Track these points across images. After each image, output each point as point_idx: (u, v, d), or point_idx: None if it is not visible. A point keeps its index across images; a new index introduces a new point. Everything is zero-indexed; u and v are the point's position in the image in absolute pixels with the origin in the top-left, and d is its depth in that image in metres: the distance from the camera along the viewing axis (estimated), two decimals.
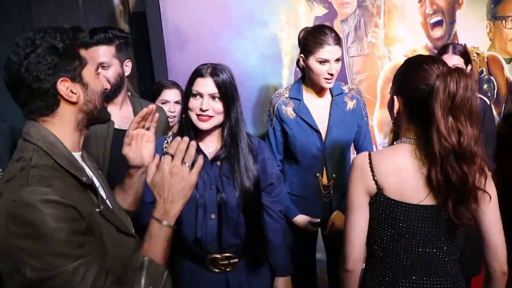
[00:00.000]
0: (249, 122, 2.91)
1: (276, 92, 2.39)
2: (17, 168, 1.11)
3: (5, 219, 1.04)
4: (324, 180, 2.32)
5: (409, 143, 1.42)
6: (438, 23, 3.16)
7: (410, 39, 3.10)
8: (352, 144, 2.43)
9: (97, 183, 1.30)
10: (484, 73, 3.21)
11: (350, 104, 2.32)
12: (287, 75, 3.00)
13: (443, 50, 2.61)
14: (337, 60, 2.18)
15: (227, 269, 1.84)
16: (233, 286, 1.85)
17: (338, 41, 2.18)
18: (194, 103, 1.77)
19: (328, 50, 2.15)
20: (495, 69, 3.22)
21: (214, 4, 2.79)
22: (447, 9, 3.16)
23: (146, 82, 3.50)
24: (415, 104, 1.37)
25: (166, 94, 2.53)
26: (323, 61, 2.16)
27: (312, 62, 2.18)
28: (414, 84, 1.36)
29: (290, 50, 2.97)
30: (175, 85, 2.59)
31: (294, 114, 2.27)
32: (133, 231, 1.37)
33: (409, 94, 1.40)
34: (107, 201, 1.29)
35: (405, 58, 1.53)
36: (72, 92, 1.17)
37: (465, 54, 2.56)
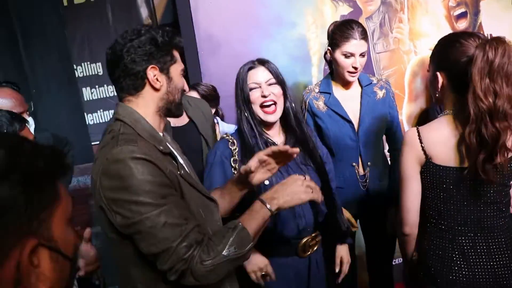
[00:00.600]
0: None
1: (307, 88, 2.47)
2: (109, 137, 1.30)
3: (99, 175, 1.24)
4: (361, 170, 2.38)
5: (452, 114, 1.53)
6: (462, 15, 3.21)
7: (435, 33, 3.15)
8: (384, 136, 2.48)
9: (178, 157, 1.45)
10: None
11: (380, 94, 2.39)
12: (316, 74, 3.08)
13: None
14: (362, 54, 2.26)
15: (314, 249, 1.96)
16: (313, 265, 1.96)
17: (364, 36, 2.25)
18: (254, 94, 1.87)
19: (354, 44, 2.22)
20: None
21: (243, 9, 2.90)
22: (471, 0, 3.21)
23: None
24: (458, 76, 1.48)
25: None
26: (348, 55, 2.24)
27: (338, 55, 2.27)
28: (455, 58, 1.47)
29: (318, 49, 3.06)
30: (193, 87, 2.69)
31: (326, 107, 2.35)
32: None
33: (451, 69, 1.51)
34: (187, 169, 1.46)
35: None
36: (157, 80, 1.35)
37: None
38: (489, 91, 1.38)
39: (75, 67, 4.18)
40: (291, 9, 3.01)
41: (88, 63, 4.22)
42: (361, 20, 3.11)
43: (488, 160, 1.43)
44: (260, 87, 1.86)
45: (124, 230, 1.23)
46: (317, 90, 2.41)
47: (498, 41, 1.38)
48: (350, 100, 2.37)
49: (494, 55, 1.36)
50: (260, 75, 1.87)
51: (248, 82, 1.88)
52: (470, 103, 1.41)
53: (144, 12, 4.17)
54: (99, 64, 4.20)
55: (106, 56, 1.37)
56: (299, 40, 3.04)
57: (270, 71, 1.88)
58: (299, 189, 1.41)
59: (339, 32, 2.26)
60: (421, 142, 1.54)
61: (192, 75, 2.99)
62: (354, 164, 2.37)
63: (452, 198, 1.54)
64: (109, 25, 4.16)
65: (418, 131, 1.55)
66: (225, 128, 2.70)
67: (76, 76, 4.19)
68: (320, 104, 2.37)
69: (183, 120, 2.25)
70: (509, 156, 1.48)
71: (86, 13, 4.11)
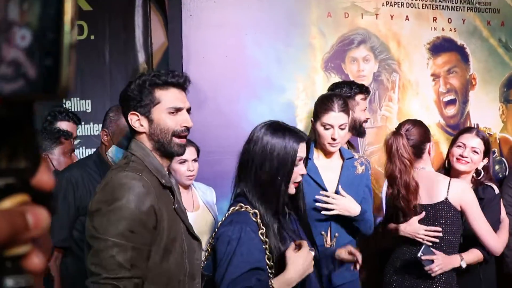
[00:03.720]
0: None
1: None
2: (122, 162, 1.50)
3: (99, 188, 1.43)
4: (328, 239, 2.31)
5: None
6: (451, 102, 3.24)
7: (423, 115, 3.16)
8: None
9: (175, 192, 1.58)
10: (496, 154, 3.23)
11: (360, 169, 2.37)
12: None
13: (467, 129, 2.62)
14: (341, 127, 2.24)
15: None
16: None
17: (344, 108, 2.25)
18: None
19: (333, 116, 2.23)
20: (507, 151, 3.24)
21: (233, 67, 2.90)
22: (461, 89, 3.25)
23: None
24: None
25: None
26: (327, 126, 2.24)
27: (318, 126, 2.28)
28: None
29: (305, 117, 3.04)
30: (191, 143, 2.63)
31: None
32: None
33: None
34: (182, 205, 1.60)
35: None
36: (140, 125, 1.50)
37: (487, 143, 2.51)
38: None
39: (64, 100, 4.14)
40: (282, 73, 3.02)
41: (78, 98, 4.19)
42: None
43: None
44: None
45: (88, 239, 1.36)
46: None
47: None
48: (329, 170, 2.34)
49: None
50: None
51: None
52: None
53: (141, 57, 4.19)
54: (89, 101, 4.17)
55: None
56: (287, 105, 3.04)
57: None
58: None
59: (320, 104, 2.30)
60: None
61: None
62: (323, 233, 2.30)
63: None
64: (105, 65, 4.16)
65: None
66: (203, 190, 2.57)
67: None
68: None
69: None
70: None
71: (84, 49, 4.13)
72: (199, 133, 2.86)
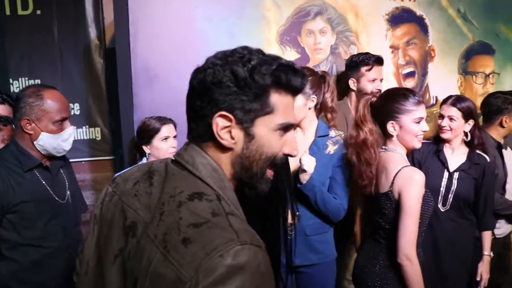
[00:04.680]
0: None
1: None
2: (206, 210, 0.89)
3: (196, 270, 0.80)
4: (289, 218, 2.21)
5: None
6: (410, 74, 3.18)
7: (382, 88, 3.10)
8: None
9: None
10: None
11: (331, 148, 2.27)
12: None
13: (445, 100, 2.64)
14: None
15: None
16: None
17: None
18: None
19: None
20: None
21: (183, 42, 2.75)
22: (420, 61, 3.19)
23: (116, 118, 3.43)
24: None
25: (166, 129, 2.45)
26: None
27: None
28: None
29: None
30: (169, 120, 2.52)
31: None
32: None
33: None
34: None
35: None
36: (231, 137, 0.99)
37: (465, 109, 2.52)
38: None
39: (11, 81, 3.93)
40: (234, 47, 2.88)
41: (26, 78, 3.97)
42: None
43: None
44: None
45: None
46: None
47: None
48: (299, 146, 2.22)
49: None
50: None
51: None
52: None
53: (92, 32, 3.98)
54: (38, 81, 3.96)
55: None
56: None
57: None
58: None
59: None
60: None
61: (123, 107, 2.82)
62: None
63: None
64: (53, 42, 3.94)
65: None
66: None
67: (12, 90, 3.93)
68: None
69: None
70: None
71: (30, 25, 3.89)
72: (149, 112, 2.73)
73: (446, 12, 3.29)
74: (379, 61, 2.82)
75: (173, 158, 1.05)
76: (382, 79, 2.85)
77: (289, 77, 0.98)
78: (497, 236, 2.83)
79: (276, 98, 0.98)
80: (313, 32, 3.03)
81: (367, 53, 2.85)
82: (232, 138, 0.97)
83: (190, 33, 2.77)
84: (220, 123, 0.96)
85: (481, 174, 2.53)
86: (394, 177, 1.93)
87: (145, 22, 2.70)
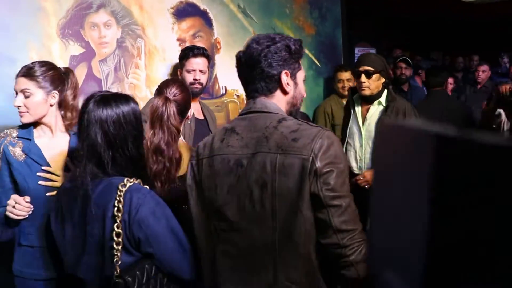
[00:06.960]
0: None
1: (2, 132, 2.13)
2: (294, 123, 1.41)
3: (311, 149, 1.33)
4: None
5: None
6: None
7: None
8: None
9: None
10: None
11: None
12: None
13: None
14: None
15: None
16: None
17: None
18: None
19: None
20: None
21: None
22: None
23: None
24: None
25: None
26: None
27: None
28: None
29: None
30: None
31: (24, 155, 2.06)
32: None
33: None
34: None
35: None
36: (288, 84, 1.47)
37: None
38: None
39: None
40: (10, 42, 2.67)
41: None
42: (94, 63, 2.94)
43: None
44: None
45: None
46: (14, 135, 2.09)
47: None
48: (52, 149, 2.11)
49: None
50: None
51: None
52: None
53: None
54: None
55: (240, 59, 1.50)
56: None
57: None
58: None
59: None
60: None
61: None
62: None
63: None
64: None
65: None
66: None
67: None
68: (16, 151, 2.06)
69: (201, 115, 2.90)
70: None
71: None
72: None
73: (228, 7, 3.52)
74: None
75: (243, 114, 1.49)
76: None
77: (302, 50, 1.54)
78: None
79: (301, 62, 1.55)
80: (97, 25, 2.95)
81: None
82: (289, 86, 1.48)
83: None
84: (284, 77, 1.46)
85: None
86: None
87: None
